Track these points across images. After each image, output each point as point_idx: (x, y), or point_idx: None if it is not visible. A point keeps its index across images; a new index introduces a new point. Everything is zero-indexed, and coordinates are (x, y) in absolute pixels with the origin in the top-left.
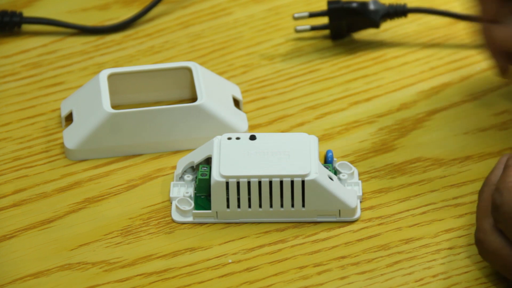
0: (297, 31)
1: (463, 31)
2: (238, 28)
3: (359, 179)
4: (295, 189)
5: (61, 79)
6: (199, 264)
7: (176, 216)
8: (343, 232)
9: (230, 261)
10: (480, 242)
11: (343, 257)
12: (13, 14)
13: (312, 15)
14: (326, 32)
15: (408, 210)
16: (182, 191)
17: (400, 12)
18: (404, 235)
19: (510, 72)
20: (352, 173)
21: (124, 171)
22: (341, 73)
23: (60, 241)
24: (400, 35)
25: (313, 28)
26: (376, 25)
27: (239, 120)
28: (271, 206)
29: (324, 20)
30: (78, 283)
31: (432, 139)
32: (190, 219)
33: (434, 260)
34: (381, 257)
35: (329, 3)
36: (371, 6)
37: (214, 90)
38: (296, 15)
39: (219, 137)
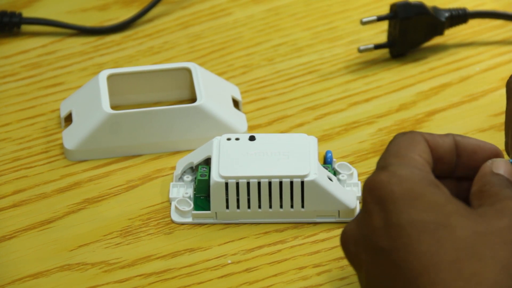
0: (360, 51)
1: (462, 31)
2: (238, 29)
3: (359, 180)
4: (294, 190)
5: (60, 79)
6: (198, 264)
7: (175, 217)
8: None
9: (229, 261)
10: None
11: (342, 258)
12: (13, 14)
13: (380, 18)
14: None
15: None
16: (182, 192)
17: (462, 16)
18: None
19: None
20: (352, 174)
21: (123, 171)
22: (340, 73)
23: (60, 241)
24: None
25: (376, 47)
26: (441, 28)
27: (238, 120)
28: (270, 206)
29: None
30: (77, 284)
31: None
32: (189, 219)
33: None
34: None
35: (397, 3)
36: (433, 10)
37: (213, 91)
38: (364, 20)
39: (218, 137)
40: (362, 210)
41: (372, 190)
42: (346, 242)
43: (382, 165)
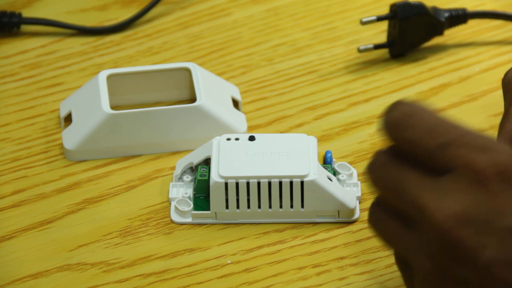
0: (359, 51)
1: (462, 31)
2: (237, 29)
3: (358, 180)
4: (294, 190)
5: (60, 79)
6: (198, 264)
7: (175, 217)
8: (342, 232)
9: (229, 261)
10: None
11: (342, 258)
12: (12, 14)
13: (380, 18)
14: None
15: None
16: (181, 192)
17: (462, 17)
18: None
19: None
20: (351, 174)
21: (123, 171)
22: (340, 73)
23: (59, 241)
24: None
25: (376, 47)
26: (441, 28)
27: (238, 120)
28: (270, 207)
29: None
30: (77, 284)
31: None
32: (189, 219)
33: None
34: (380, 257)
35: (396, 3)
36: (433, 10)
37: (213, 91)
38: (363, 20)
39: (218, 137)
40: (478, 191)
41: (502, 172)
42: (458, 225)
43: (481, 145)
